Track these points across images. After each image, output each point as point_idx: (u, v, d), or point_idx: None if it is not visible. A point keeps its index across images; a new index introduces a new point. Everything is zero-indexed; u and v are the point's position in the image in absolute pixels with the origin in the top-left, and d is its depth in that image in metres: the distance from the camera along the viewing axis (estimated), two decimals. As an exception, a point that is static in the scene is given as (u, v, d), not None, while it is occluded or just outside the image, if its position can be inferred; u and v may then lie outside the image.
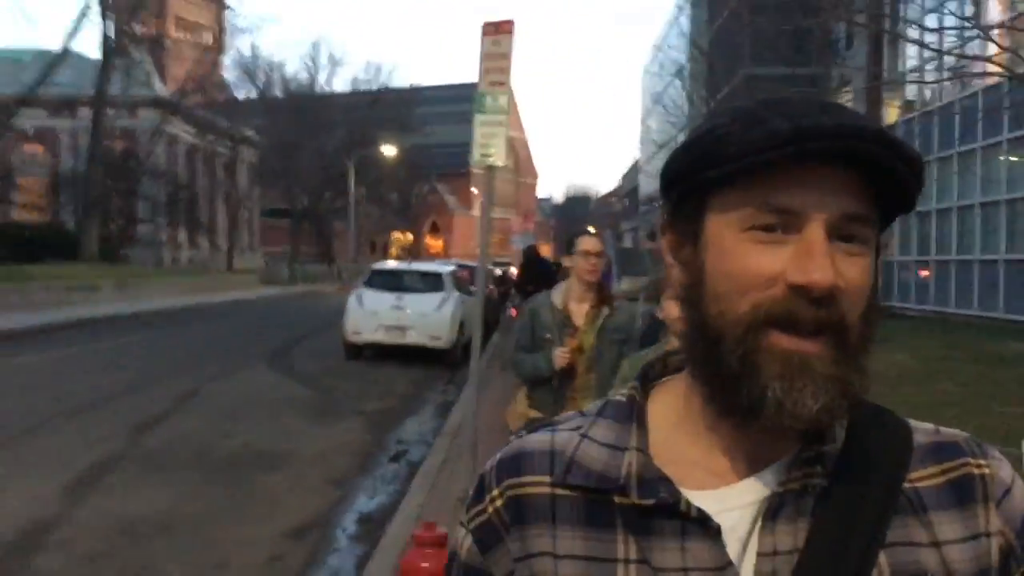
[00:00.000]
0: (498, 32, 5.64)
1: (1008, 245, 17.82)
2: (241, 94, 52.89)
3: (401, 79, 65.55)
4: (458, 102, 47.41)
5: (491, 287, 17.84)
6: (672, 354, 0.80)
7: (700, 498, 0.69)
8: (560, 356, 3.61)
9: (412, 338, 12.88)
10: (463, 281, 14.95)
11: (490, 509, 0.75)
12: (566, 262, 3.86)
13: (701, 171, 0.68)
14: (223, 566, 4.65)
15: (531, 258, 12.68)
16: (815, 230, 0.64)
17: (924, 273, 21.59)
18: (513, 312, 14.50)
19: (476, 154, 5.49)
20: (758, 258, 0.66)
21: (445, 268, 14.94)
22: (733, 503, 0.69)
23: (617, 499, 0.70)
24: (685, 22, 37.26)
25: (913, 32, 14.22)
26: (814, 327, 0.64)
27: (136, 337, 15.55)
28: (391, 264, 16.99)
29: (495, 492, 0.75)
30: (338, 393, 10.26)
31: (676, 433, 0.73)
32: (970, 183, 19.12)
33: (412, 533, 3.26)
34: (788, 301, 0.64)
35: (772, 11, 20.88)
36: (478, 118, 5.48)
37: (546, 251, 34.05)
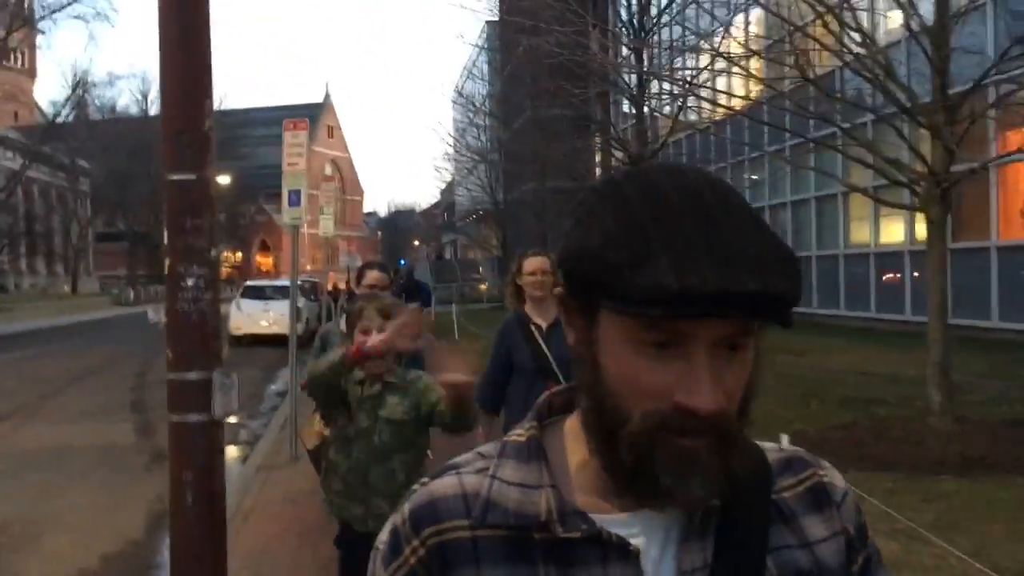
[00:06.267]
0: (296, 128, 8.10)
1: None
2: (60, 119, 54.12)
3: (232, 104, 67.19)
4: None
5: (324, 295, 24.75)
6: (557, 394, 0.86)
7: (611, 524, 0.75)
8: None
9: (275, 330, 19.31)
10: (307, 291, 21.74)
11: (412, 560, 0.77)
12: (358, 290, 4.04)
13: (590, 291, 0.71)
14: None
15: (408, 277, 15.56)
16: (699, 352, 0.69)
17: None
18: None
19: (286, 217, 7.92)
20: (649, 374, 0.71)
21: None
22: (640, 528, 0.76)
23: (537, 535, 0.75)
24: (482, 63, 41.23)
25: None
26: (700, 432, 0.70)
27: (59, 345, 21.07)
28: (258, 282, 23.93)
29: (415, 542, 0.77)
30: (237, 360, 16.69)
31: (582, 471, 0.78)
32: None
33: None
34: (676, 416, 0.70)
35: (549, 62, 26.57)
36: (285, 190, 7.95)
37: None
